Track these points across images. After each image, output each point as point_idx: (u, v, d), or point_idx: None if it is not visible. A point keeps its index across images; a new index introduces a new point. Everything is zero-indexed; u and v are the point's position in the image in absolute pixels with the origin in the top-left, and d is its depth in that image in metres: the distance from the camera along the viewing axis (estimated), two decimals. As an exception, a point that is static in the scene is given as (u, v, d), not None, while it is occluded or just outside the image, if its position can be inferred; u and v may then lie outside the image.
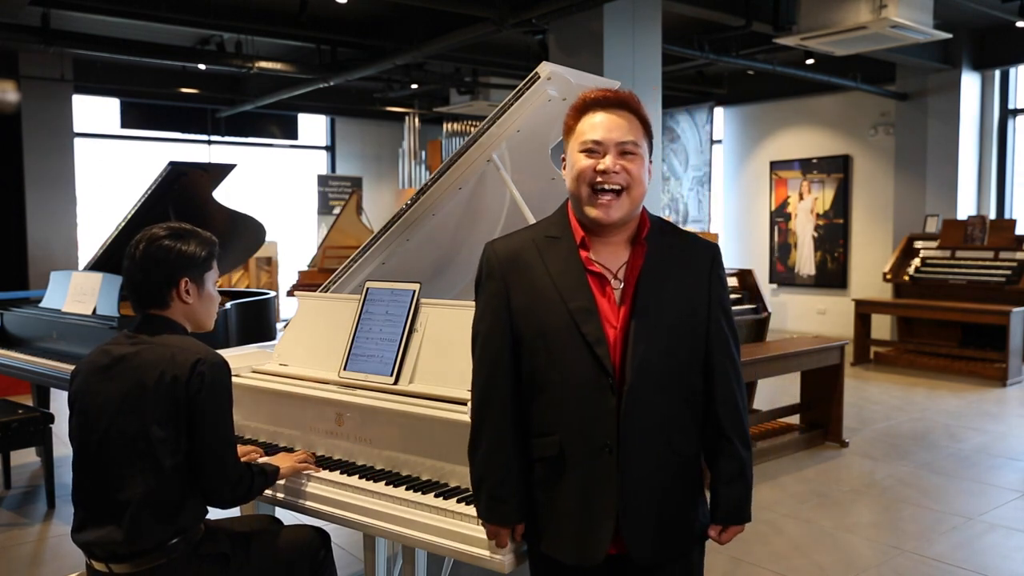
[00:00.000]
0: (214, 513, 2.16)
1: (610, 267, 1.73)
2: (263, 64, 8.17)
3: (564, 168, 1.78)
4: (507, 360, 1.74)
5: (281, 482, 2.34)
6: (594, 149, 1.70)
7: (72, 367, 4.04)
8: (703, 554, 1.85)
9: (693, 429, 1.76)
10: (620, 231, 1.75)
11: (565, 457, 1.70)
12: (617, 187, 1.69)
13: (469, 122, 11.21)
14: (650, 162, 1.76)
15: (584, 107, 1.74)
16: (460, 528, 1.97)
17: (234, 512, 2.83)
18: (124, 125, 10.76)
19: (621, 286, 1.71)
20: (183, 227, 2.17)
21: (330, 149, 12.83)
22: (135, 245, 2.11)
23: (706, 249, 1.80)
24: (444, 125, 11.63)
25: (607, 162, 1.68)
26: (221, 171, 4.97)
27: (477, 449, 1.77)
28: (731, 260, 10.64)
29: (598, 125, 1.70)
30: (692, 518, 1.77)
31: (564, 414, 1.69)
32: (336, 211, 11.09)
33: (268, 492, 2.35)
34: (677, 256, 1.76)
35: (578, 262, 1.71)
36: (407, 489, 2.16)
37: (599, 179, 1.68)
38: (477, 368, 1.79)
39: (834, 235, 10.43)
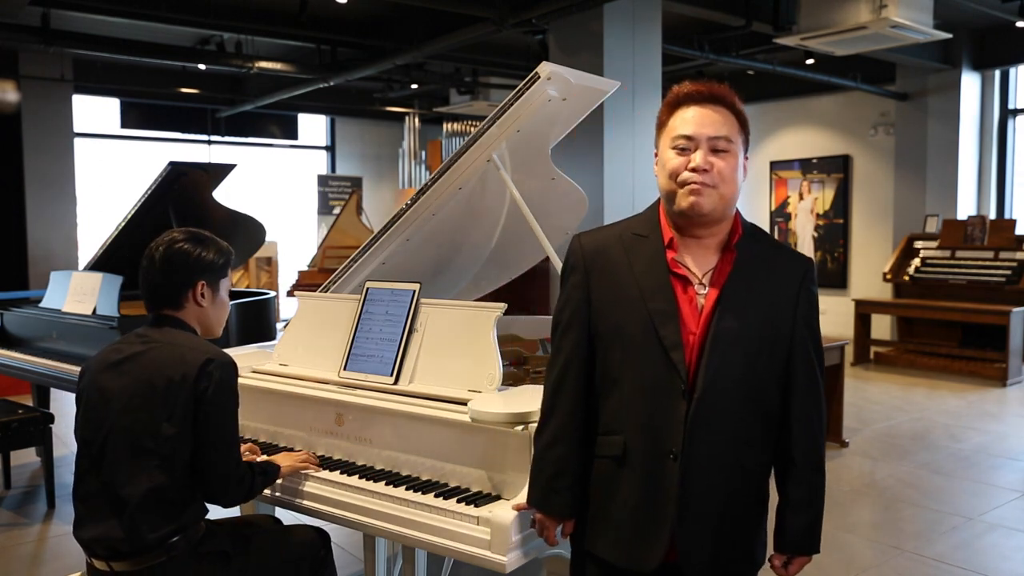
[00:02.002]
0: (214, 512, 2.16)
1: (696, 271, 1.68)
2: (263, 64, 8.16)
3: (656, 164, 1.74)
4: (582, 353, 1.72)
5: (280, 482, 2.35)
6: (685, 146, 1.65)
7: (72, 367, 4.08)
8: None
9: (764, 446, 1.70)
10: (710, 234, 1.69)
11: (628, 458, 1.66)
12: (708, 184, 1.63)
13: (469, 122, 11.20)
14: (745, 158, 1.71)
15: (677, 102, 1.69)
16: (460, 528, 1.97)
17: (234, 511, 2.83)
18: (124, 125, 10.75)
19: (705, 291, 1.66)
20: (202, 233, 2.23)
21: (330, 149, 12.83)
22: (155, 247, 2.16)
23: (799, 263, 1.73)
24: (444, 125, 11.62)
25: (697, 159, 1.63)
26: (221, 171, 4.98)
27: (541, 437, 1.75)
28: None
29: (690, 120, 1.65)
30: (752, 536, 1.71)
31: (632, 415, 1.66)
32: (336, 211, 11.09)
33: (268, 492, 2.36)
34: (767, 266, 1.70)
35: (663, 263, 1.67)
36: (407, 489, 2.16)
37: (690, 176, 1.63)
38: (553, 358, 1.77)
39: (834, 235, 10.43)
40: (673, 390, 1.62)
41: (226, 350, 2.19)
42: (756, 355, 1.65)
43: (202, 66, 9.03)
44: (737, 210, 1.73)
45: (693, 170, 1.63)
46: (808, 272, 1.73)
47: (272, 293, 5.25)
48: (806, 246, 10.71)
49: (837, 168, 10.36)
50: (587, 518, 1.74)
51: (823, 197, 10.53)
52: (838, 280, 10.38)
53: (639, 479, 1.65)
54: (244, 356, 2.84)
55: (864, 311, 8.69)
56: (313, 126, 12.64)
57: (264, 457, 2.40)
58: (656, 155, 1.74)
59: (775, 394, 1.69)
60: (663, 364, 1.62)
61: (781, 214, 10.97)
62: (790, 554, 1.73)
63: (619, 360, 1.67)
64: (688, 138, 1.65)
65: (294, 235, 12.19)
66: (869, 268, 10.03)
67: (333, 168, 12.77)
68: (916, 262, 8.68)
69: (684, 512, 1.62)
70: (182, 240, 2.17)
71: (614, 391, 1.69)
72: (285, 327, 2.87)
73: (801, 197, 10.76)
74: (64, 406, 6.31)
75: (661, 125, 1.72)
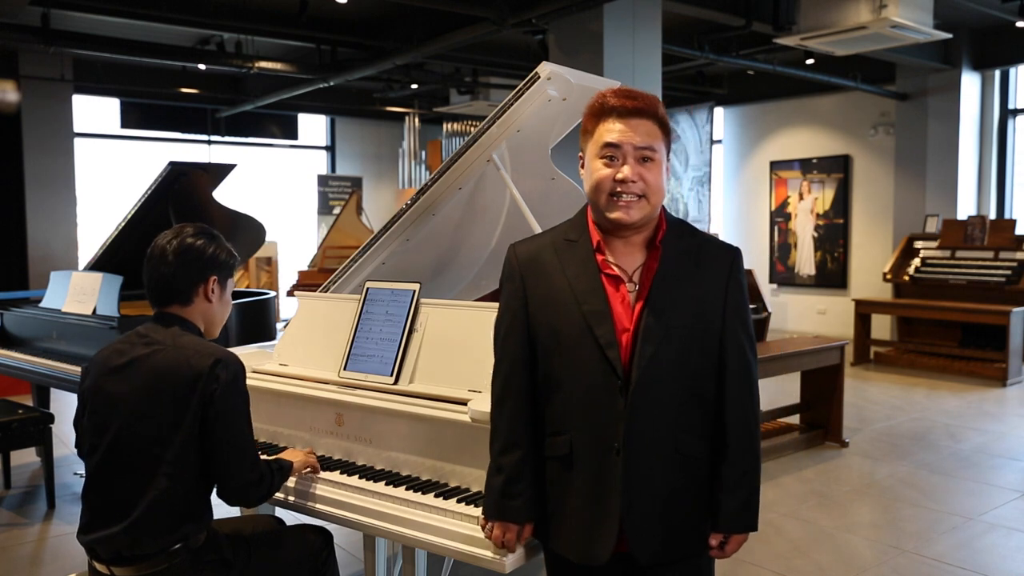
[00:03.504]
0: (217, 511, 2.15)
1: (626, 269, 1.74)
2: (263, 64, 8.17)
3: (581, 167, 1.78)
4: (524, 360, 1.77)
5: (281, 482, 2.35)
6: (612, 155, 1.69)
7: (72, 367, 4.08)
8: (712, 559, 1.84)
9: (703, 432, 1.75)
10: (637, 233, 1.75)
11: (575, 457, 1.72)
12: (635, 195, 1.69)
13: (469, 122, 11.21)
14: (668, 161, 1.77)
15: (602, 111, 1.72)
16: (460, 528, 1.97)
17: (235, 511, 2.83)
18: (124, 125, 10.75)
19: (636, 288, 1.72)
20: (212, 230, 2.21)
21: (330, 149, 12.83)
22: (165, 241, 2.12)
23: (725, 253, 1.79)
24: (444, 125, 11.63)
25: (626, 171, 1.68)
26: (221, 171, 4.98)
27: (494, 445, 1.80)
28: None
29: (616, 130, 1.70)
30: (700, 521, 1.77)
31: (575, 414, 1.71)
32: (336, 211, 11.09)
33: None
34: (693, 259, 1.75)
35: (594, 265, 1.73)
36: (407, 489, 2.16)
37: (618, 188, 1.69)
38: (496, 367, 1.82)
39: (834, 235, 10.43)
40: (611, 387, 1.67)
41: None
42: (688, 346, 1.70)
43: (202, 66, 9.03)
44: (663, 207, 1.78)
45: (621, 181, 1.68)
46: (735, 262, 1.78)
47: (272, 293, 5.25)
48: (806, 246, 10.71)
49: (837, 168, 10.36)
50: (547, 518, 1.79)
51: (823, 197, 10.53)
52: (838, 280, 10.38)
53: (586, 476, 1.71)
54: (244, 356, 2.83)
55: (864, 311, 8.69)
56: (313, 126, 12.64)
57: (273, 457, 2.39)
58: (581, 158, 1.78)
59: (710, 382, 1.75)
60: (600, 362, 1.67)
61: (781, 214, 10.97)
62: (726, 533, 1.77)
63: (559, 362, 1.73)
64: (615, 147, 1.69)
65: (294, 235, 12.19)
66: (869, 268, 10.03)
67: (333, 168, 12.77)
68: (916, 262, 8.68)
69: (630, 503, 1.67)
70: (195, 234, 2.14)
71: (557, 393, 1.74)
72: (285, 327, 2.87)
73: (801, 197, 10.76)
74: (64, 406, 6.31)
75: (586, 132, 1.76)
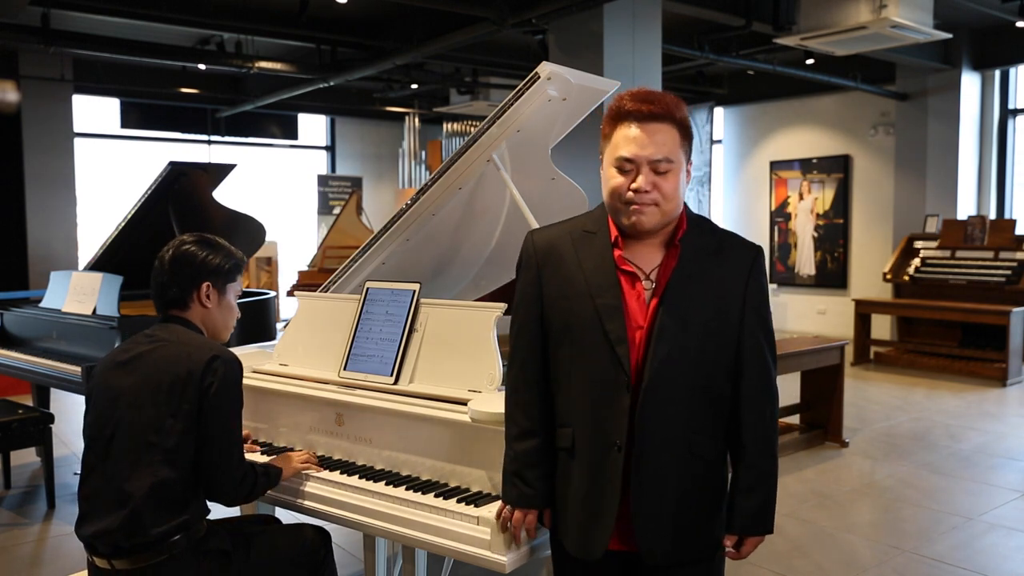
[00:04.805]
0: (215, 511, 2.17)
1: (644, 267, 1.71)
2: (263, 64, 8.17)
3: (602, 167, 1.76)
4: (538, 349, 1.77)
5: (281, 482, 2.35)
6: (628, 168, 1.67)
7: (72, 367, 4.08)
8: (723, 560, 1.82)
9: (716, 432, 1.73)
10: (655, 235, 1.73)
11: (576, 450, 1.71)
12: (648, 204, 1.67)
13: (469, 122, 11.21)
14: (689, 163, 1.74)
15: (619, 116, 1.69)
16: (460, 528, 1.97)
17: (235, 511, 2.84)
18: (124, 125, 10.75)
19: (652, 286, 1.70)
20: (213, 238, 2.28)
21: (330, 149, 12.83)
22: (165, 251, 2.23)
23: (747, 251, 1.76)
24: (444, 125, 11.63)
25: (640, 182, 1.65)
26: (221, 171, 4.98)
27: (509, 432, 1.80)
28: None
29: (632, 140, 1.66)
30: (713, 523, 1.75)
31: (580, 408, 1.71)
32: (336, 211, 11.09)
33: (268, 491, 2.36)
34: (713, 257, 1.73)
35: (610, 259, 1.71)
36: (407, 489, 2.16)
37: (632, 197, 1.66)
38: (511, 356, 1.82)
39: (834, 235, 10.43)
40: (617, 383, 1.66)
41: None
42: (704, 344, 1.68)
43: (202, 66, 9.04)
44: (685, 204, 1.76)
45: (635, 190, 1.66)
46: (756, 260, 1.76)
47: (272, 293, 5.26)
48: (806, 246, 10.71)
49: (837, 168, 10.36)
50: (553, 507, 1.80)
51: (823, 197, 10.53)
52: (838, 280, 10.38)
53: (586, 470, 1.70)
54: (244, 356, 2.83)
55: (864, 311, 8.69)
56: (313, 126, 12.64)
57: (267, 459, 2.41)
58: (601, 159, 1.76)
59: (725, 381, 1.72)
60: (608, 358, 1.66)
61: (781, 214, 10.97)
62: (740, 535, 1.76)
63: (569, 354, 1.72)
64: (629, 160, 1.67)
65: (294, 235, 12.19)
66: (869, 268, 10.03)
67: (333, 168, 12.77)
68: (916, 262, 8.68)
69: (639, 504, 1.66)
70: (190, 243, 2.23)
71: (565, 384, 1.74)
72: (285, 327, 2.87)
73: (801, 197, 10.76)
74: (64, 406, 6.31)
75: (604, 136, 1.74)
